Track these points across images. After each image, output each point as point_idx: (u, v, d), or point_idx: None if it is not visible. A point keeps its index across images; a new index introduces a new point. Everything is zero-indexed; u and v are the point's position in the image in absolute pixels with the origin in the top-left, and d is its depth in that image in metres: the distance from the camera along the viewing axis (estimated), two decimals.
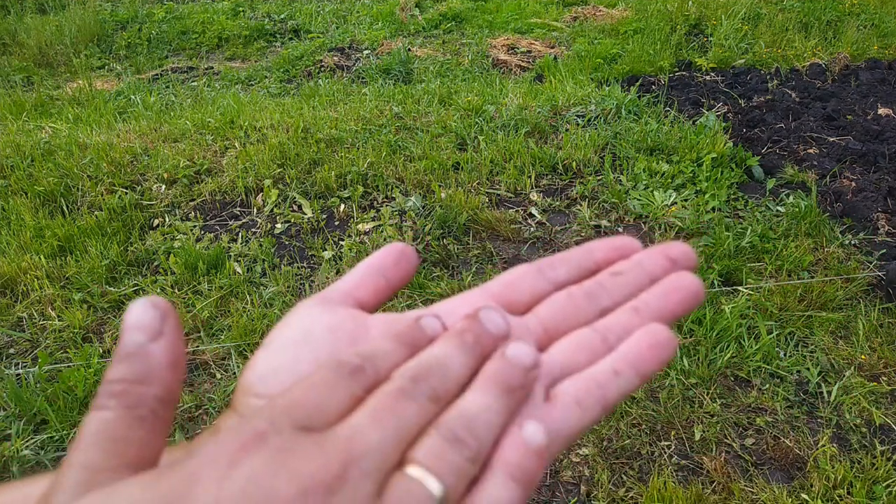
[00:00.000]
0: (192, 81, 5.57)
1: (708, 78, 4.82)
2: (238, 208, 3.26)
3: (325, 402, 0.25)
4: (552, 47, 5.86)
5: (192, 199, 3.30)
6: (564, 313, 0.31)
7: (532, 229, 3.03)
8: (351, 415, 0.25)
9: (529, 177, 3.36)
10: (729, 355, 2.33)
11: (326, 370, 0.26)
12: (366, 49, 5.99)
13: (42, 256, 2.85)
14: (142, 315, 0.26)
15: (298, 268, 2.84)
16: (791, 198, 3.19)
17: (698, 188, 3.28)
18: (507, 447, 0.26)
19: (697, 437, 2.08)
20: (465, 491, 0.25)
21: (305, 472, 0.22)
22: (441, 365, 0.27)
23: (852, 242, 2.92)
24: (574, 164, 3.46)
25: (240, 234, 3.06)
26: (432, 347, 0.28)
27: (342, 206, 3.21)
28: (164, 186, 3.37)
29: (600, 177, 3.38)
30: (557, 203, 3.21)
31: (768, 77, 4.75)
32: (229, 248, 2.95)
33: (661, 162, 3.46)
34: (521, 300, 0.32)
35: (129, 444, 0.24)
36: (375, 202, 3.26)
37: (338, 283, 0.33)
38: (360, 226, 3.06)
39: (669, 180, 3.33)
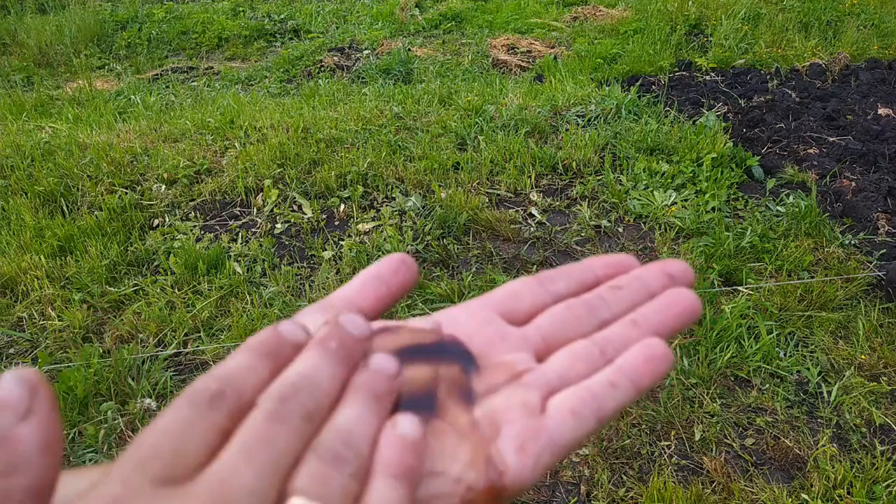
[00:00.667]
0: (192, 81, 5.57)
1: (708, 78, 4.82)
2: (238, 208, 3.26)
3: (183, 447, 0.22)
4: (552, 47, 5.86)
5: (192, 199, 3.30)
6: (564, 324, 0.32)
7: (532, 229, 3.03)
8: (219, 453, 0.23)
9: (529, 177, 3.36)
10: (729, 355, 2.33)
11: (181, 405, 0.23)
12: (366, 49, 6.00)
13: (42, 256, 2.85)
14: (7, 392, 0.22)
15: (298, 268, 2.84)
16: (791, 198, 3.19)
17: (698, 188, 3.28)
18: (384, 447, 0.25)
19: (697, 437, 2.08)
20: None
21: None
22: (309, 380, 0.25)
23: (852, 242, 2.92)
24: (574, 164, 3.46)
25: (240, 234, 3.06)
26: (297, 361, 0.26)
27: (342, 206, 3.21)
28: (164, 186, 3.37)
29: (600, 177, 3.38)
30: (557, 203, 3.21)
31: (768, 77, 4.75)
32: (229, 248, 2.95)
33: (661, 162, 3.46)
34: (522, 310, 0.33)
35: None
36: (375, 202, 3.26)
37: (339, 291, 0.33)
38: (360, 226, 3.06)
39: (669, 180, 3.33)
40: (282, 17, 6.93)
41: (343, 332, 0.28)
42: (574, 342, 0.31)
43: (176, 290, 2.70)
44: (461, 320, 0.32)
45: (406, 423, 0.26)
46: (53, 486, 0.22)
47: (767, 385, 2.26)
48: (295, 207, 3.23)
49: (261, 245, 2.94)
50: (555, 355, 0.31)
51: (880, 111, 4.10)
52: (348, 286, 0.33)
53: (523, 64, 5.53)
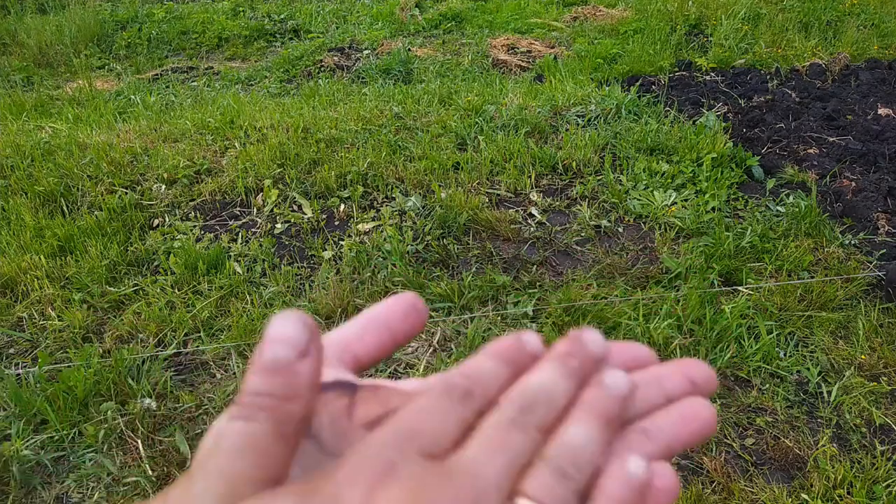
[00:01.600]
0: (192, 81, 5.57)
1: (708, 78, 4.82)
2: (238, 208, 3.26)
3: (442, 429, 0.25)
4: (552, 47, 5.86)
5: (192, 199, 3.30)
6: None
7: (532, 229, 3.03)
8: (466, 444, 0.25)
9: (529, 177, 3.36)
10: (729, 355, 2.33)
11: (437, 394, 0.26)
12: (366, 49, 5.99)
13: (42, 256, 2.85)
14: (291, 330, 0.25)
15: (298, 268, 2.84)
16: (791, 198, 3.19)
17: (698, 188, 3.28)
18: (610, 480, 0.26)
19: None
20: None
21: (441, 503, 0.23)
22: (547, 393, 0.27)
23: (852, 242, 2.92)
24: (574, 164, 3.46)
25: (240, 234, 3.06)
26: (538, 372, 0.27)
27: (342, 206, 3.21)
28: (164, 186, 3.37)
29: (600, 177, 3.38)
30: (557, 203, 3.21)
31: (768, 77, 4.75)
32: (229, 248, 2.95)
33: (661, 162, 3.46)
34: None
35: (271, 459, 0.24)
36: (375, 202, 3.26)
37: (337, 332, 0.32)
38: (360, 226, 3.06)
39: (669, 180, 3.33)
40: (282, 17, 6.93)
41: (584, 349, 0.28)
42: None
43: (176, 290, 2.70)
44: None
45: (635, 465, 0.26)
46: (310, 421, 0.26)
47: (767, 385, 2.26)
48: (295, 207, 3.23)
49: (261, 245, 2.94)
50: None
51: (880, 111, 4.10)
52: (349, 327, 0.32)
53: (523, 64, 5.53)
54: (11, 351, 2.47)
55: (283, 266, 2.84)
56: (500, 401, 0.27)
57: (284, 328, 0.25)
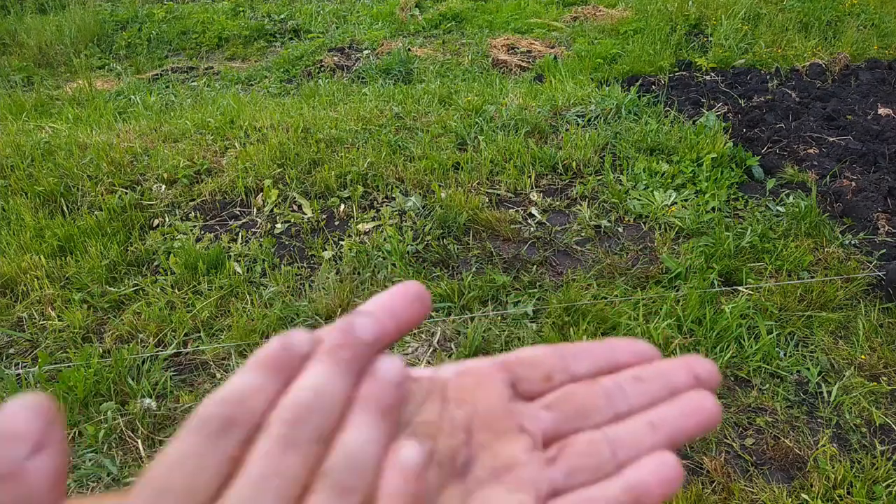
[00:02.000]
0: (192, 81, 5.57)
1: (708, 78, 4.82)
2: (238, 208, 3.26)
3: (195, 481, 0.22)
4: (552, 47, 5.86)
5: (192, 199, 3.30)
6: (578, 409, 0.30)
7: (532, 229, 3.03)
8: (232, 482, 0.22)
9: (529, 177, 3.36)
10: (729, 355, 2.33)
11: (191, 435, 0.23)
12: (366, 49, 6.00)
13: (42, 256, 2.85)
14: (22, 421, 0.21)
15: (298, 268, 2.84)
16: (791, 198, 3.19)
17: (698, 188, 3.28)
18: (388, 476, 0.25)
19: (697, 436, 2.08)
20: None
21: None
22: (320, 398, 0.24)
23: (852, 242, 2.92)
24: (574, 164, 3.46)
25: (240, 234, 3.06)
26: (307, 374, 0.25)
27: (342, 206, 3.21)
28: (164, 186, 3.37)
29: (600, 177, 3.38)
30: (557, 203, 3.21)
31: (768, 77, 4.75)
32: (229, 248, 2.95)
33: (661, 162, 3.46)
34: (536, 379, 0.30)
35: None
36: (375, 202, 3.26)
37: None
38: (360, 226, 3.06)
39: (669, 180, 3.33)
40: (282, 17, 6.93)
41: (355, 339, 0.27)
42: (587, 434, 0.29)
43: (176, 290, 2.70)
44: (468, 383, 0.30)
45: (410, 451, 0.25)
46: None
47: (767, 385, 2.26)
48: (295, 207, 3.23)
49: (261, 245, 2.94)
50: (563, 448, 0.29)
51: (880, 111, 4.10)
52: None
53: (523, 64, 5.53)
54: (11, 351, 2.47)
55: (283, 266, 2.84)
56: (269, 417, 0.24)
57: (14, 421, 0.21)
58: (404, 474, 0.25)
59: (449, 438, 0.28)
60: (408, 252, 2.85)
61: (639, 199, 3.19)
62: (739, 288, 2.65)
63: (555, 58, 5.46)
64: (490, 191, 3.30)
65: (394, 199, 3.23)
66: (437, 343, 2.44)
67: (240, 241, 3.01)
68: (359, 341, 0.26)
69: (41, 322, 2.57)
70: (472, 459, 0.28)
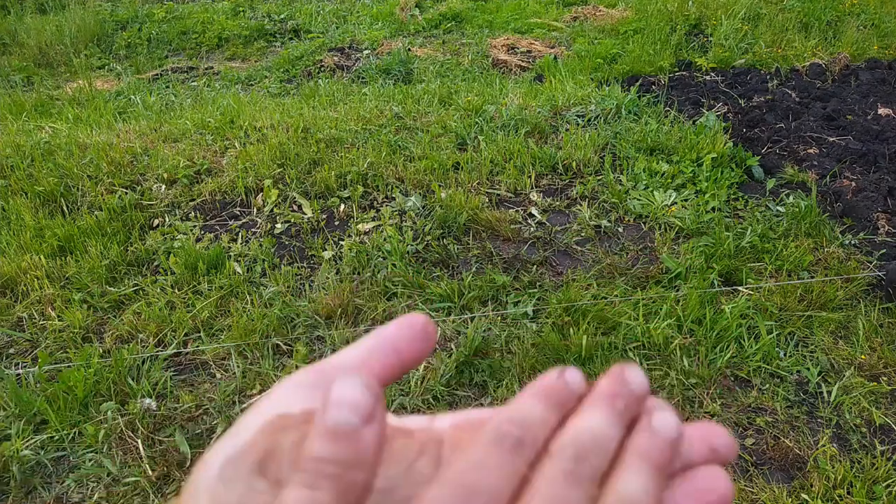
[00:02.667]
0: (192, 81, 5.57)
1: (708, 78, 4.82)
2: (238, 208, 3.26)
3: (499, 486, 0.24)
4: (552, 47, 5.86)
5: (192, 199, 3.30)
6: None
7: (532, 229, 3.03)
8: (522, 500, 0.24)
9: (529, 177, 3.36)
10: (729, 355, 2.33)
11: (489, 444, 0.25)
12: (366, 49, 6.00)
13: (42, 256, 2.85)
14: (357, 395, 0.24)
15: (298, 268, 2.84)
16: (791, 198, 3.19)
17: (698, 188, 3.28)
18: None
19: None
20: None
21: None
22: (598, 440, 0.26)
23: (852, 242, 2.92)
24: (574, 164, 3.46)
25: (240, 234, 3.06)
26: (587, 417, 0.27)
27: (342, 205, 3.21)
28: (164, 186, 3.37)
29: (600, 177, 3.38)
30: (557, 203, 3.21)
31: (768, 77, 4.75)
32: (229, 248, 2.95)
33: (661, 162, 3.46)
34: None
35: None
36: (375, 202, 3.26)
37: (341, 356, 0.30)
38: (360, 226, 3.06)
39: (669, 180, 3.33)
40: (282, 17, 6.94)
41: (629, 389, 0.27)
42: None
43: (176, 290, 2.70)
44: (465, 439, 0.29)
45: None
46: (372, 487, 0.25)
47: (767, 385, 2.26)
48: (295, 207, 3.23)
49: (261, 245, 2.94)
50: None
51: (880, 111, 4.10)
52: (354, 350, 0.30)
53: (523, 64, 5.53)
54: (11, 351, 2.47)
55: (283, 266, 2.84)
56: (552, 450, 0.26)
57: (348, 391, 0.25)
58: None
59: None
60: (408, 252, 2.85)
61: (639, 199, 3.19)
62: (739, 288, 2.65)
63: (555, 58, 5.46)
64: (490, 191, 3.30)
65: (394, 199, 3.23)
66: (437, 343, 2.44)
67: (240, 241, 3.01)
68: (632, 394, 0.27)
69: (41, 322, 2.57)
70: None
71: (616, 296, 2.61)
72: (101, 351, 2.41)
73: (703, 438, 0.29)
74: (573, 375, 0.28)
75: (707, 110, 4.14)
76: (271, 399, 0.29)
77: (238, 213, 3.23)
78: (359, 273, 2.76)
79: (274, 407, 0.28)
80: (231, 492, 0.26)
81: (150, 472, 1.99)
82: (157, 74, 5.80)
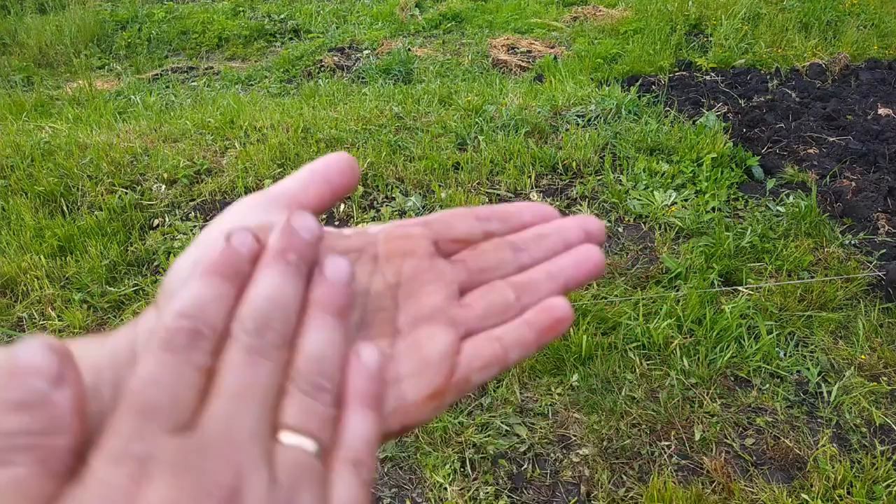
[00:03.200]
0: (192, 81, 5.57)
1: (708, 78, 4.82)
2: None
3: (179, 394, 0.23)
4: (552, 47, 5.86)
5: (192, 199, 3.30)
6: (489, 263, 0.34)
7: None
8: (210, 399, 0.23)
9: (529, 177, 3.36)
10: (729, 355, 2.33)
11: (161, 351, 0.24)
12: (366, 49, 6.00)
13: (42, 256, 2.85)
14: (39, 359, 0.22)
15: None
16: (791, 198, 3.19)
17: (698, 188, 3.28)
18: (354, 378, 0.27)
19: (697, 437, 2.08)
20: (333, 432, 0.25)
21: (207, 489, 0.22)
22: (278, 303, 0.26)
23: (852, 242, 2.92)
24: (574, 164, 3.46)
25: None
26: (260, 280, 0.26)
27: (342, 205, 3.21)
28: (164, 186, 3.37)
29: (600, 177, 3.38)
30: (557, 203, 3.21)
31: (768, 77, 4.75)
32: None
33: (661, 162, 3.46)
34: (456, 238, 0.34)
35: (42, 501, 0.21)
36: (375, 202, 3.26)
37: (282, 184, 0.33)
38: (360, 226, 3.06)
39: (669, 180, 3.33)
40: (282, 17, 6.94)
41: (300, 240, 0.28)
42: (495, 283, 0.33)
43: None
44: (397, 244, 0.33)
45: (368, 353, 0.27)
46: (85, 451, 0.23)
47: (767, 385, 2.26)
48: None
49: None
50: (476, 296, 0.33)
51: (880, 111, 4.10)
52: (291, 180, 0.33)
53: (523, 64, 5.53)
54: None
55: None
56: (232, 330, 0.25)
57: (31, 359, 0.22)
58: (368, 374, 0.27)
59: (377, 299, 0.31)
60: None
61: (639, 199, 3.19)
62: (739, 288, 2.65)
63: (555, 58, 5.46)
64: (490, 191, 3.30)
65: (394, 199, 3.23)
66: None
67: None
68: (303, 243, 0.28)
69: (41, 322, 2.57)
70: (398, 309, 0.31)
71: (616, 296, 2.61)
72: None
73: (578, 225, 0.35)
74: (240, 237, 0.27)
75: (707, 110, 4.14)
76: (228, 215, 0.31)
77: None
78: None
79: (232, 221, 0.30)
80: None
81: None
82: (157, 74, 5.80)
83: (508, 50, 5.80)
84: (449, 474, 1.96)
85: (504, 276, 0.34)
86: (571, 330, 2.42)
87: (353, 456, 0.25)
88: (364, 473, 0.26)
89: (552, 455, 2.05)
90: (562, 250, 0.35)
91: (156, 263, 2.88)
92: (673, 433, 2.10)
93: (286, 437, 0.24)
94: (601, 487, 1.94)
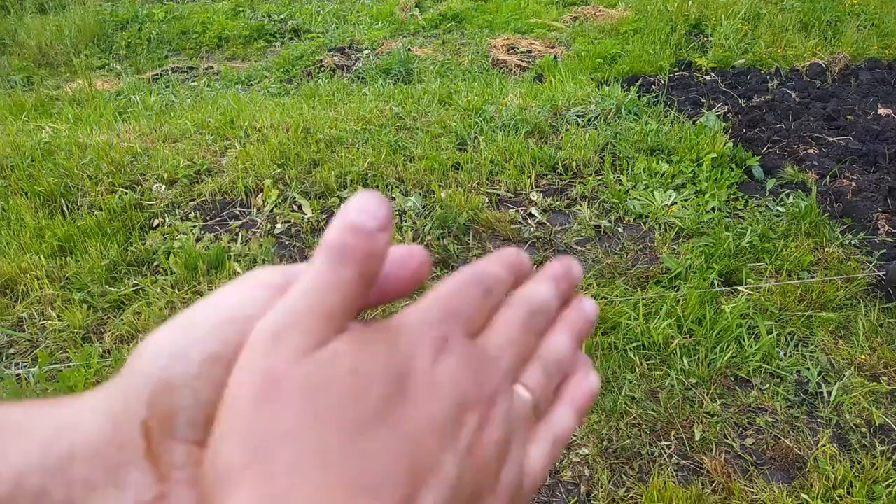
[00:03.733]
0: (192, 81, 5.57)
1: (708, 78, 4.82)
2: (238, 208, 3.26)
3: (477, 314, 0.29)
4: (552, 47, 5.86)
5: (192, 199, 3.30)
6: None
7: (532, 229, 3.03)
8: (489, 331, 0.29)
9: (529, 177, 3.36)
10: (729, 355, 2.33)
11: (467, 282, 0.29)
12: (366, 49, 5.99)
13: (42, 256, 2.85)
14: (375, 207, 0.26)
15: None
16: (791, 198, 3.19)
17: (698, 188, 3.28)
18: (575, 385, 0.33)
19: (697, 437, 2.08)
20: (544, 408, 0.31)
21: (484, 381, 0.27)
22: (545, 304, 0.32)
23: (852, 242, 2.92)
24: (574, 164, 3.46)
25: (240, 234, 3.05)
26: (539, 286, 0.32)
27: (342, 205, 3.21)
28: (164, 186, 3.37)
29: (600, 177, 3.38)
30: (557, 203, 3.21)
31: (768, 77, 4.75)
32: (229, 248, 2.95)
33: (661, 162, 3.46)
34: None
35: (350, 308, 0.26)
36: None
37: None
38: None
39: (669, 180, 3.33)
40: (282, 17, 6.93)
41: (572, 276, 0.34)
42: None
43: (176, 291, 2.70)
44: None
45: (594, 377, 0.34)
46: (371, 290, 0.27)
47: (767, 385, 2.26)
48: (295, 207, 3.23)
49: (261, 245, 2.94)
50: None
51: (880, 111, 4.10)
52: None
53: (523, 64, 5.53)
54: (11, 351, 2.47)
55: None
56: (512, 302, 0.31)
57: (369, 202, 0.27)
58: (588, 391, 0.33)
59: None
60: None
61: (639, 199, 3.19)
62: (739, 288, 2.65)
63: (555, 58, 5.46)
64: (490, 191, 3.30)
65: (394, 199, 3.23)
66: None
67: (240, 241, 3.01)
68: (573, 279, 0.34)
69: (41, 322, 2.57)
70: None
71: (616, 296, 2.61)
72: (101, 351, 2.41)
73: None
74: (525, 256, 0.33)
75: (707, 110, 4.14)
76: (233, 295, 0.28)
77: (238, 213, 3.23)
78: None
79: (234, 307, 0.27)
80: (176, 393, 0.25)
81: None
82: (157, 74, 5.80)
83: (508, 50, 5.80)
84: None
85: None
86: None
87: (553, 433, 0.31)
88: (555, 451, 0.31)
89: None
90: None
91: (156, 263, 2.88)
92: (673, 433, 2.10)
93: (520, 389, 0.30)
94: (601, 487, 1.94)
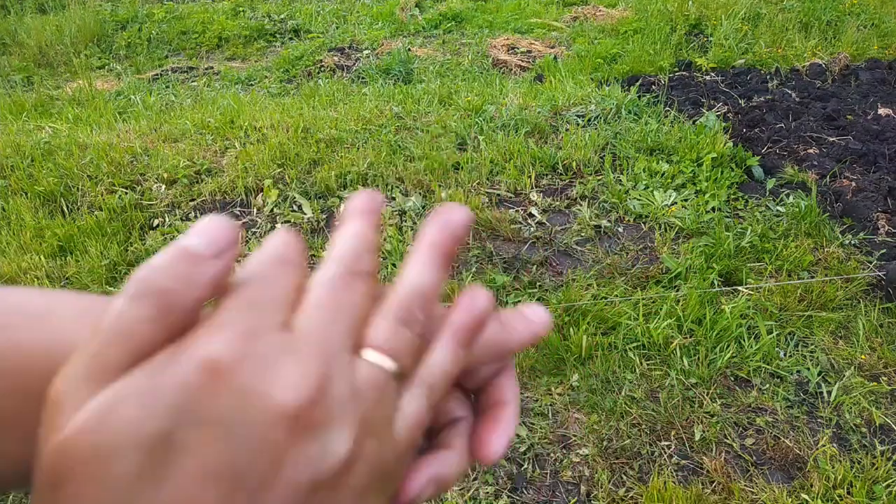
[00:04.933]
0: (192, 81, 5.57)
1: (708, 78, 4.82)
2: (238, 208, 3.26)
3: (280, 295, 0.25)
4: (552, 47, 5.86)
5: (192, 199, 3.30)
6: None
7: (532, 229, 3.03)
8: (301, 308, 0.25)
9: (529, 177, 3.36)
10: (729, 355, 2.33)
11: (267, 260, 0.27)
12: (366, 49, 6.00)
13: (42, 256, 2.85)
14: (216, 230, 0.25)
15: None
16: (791, 198, 3.19)
17: (698, 188, 3.28)
18: (456, 312, 0.28)
19: (697, 437, 2.08)
20: (415, 361, 0.27)
21: (301, 381, 0.23)
22: (367, 244, 0.28)
23: (852, 242, 2.92)
24: (574, 164, 3.46)
25: (239, 235, 3.05)
26: (348, 230, 0.29)
27: (342, 205, 3.21)
28: (164, 186, 3.37)
29: (600, 177, 3.38)
30: (557, 203, 3.21)
31: (768, 77, 4.75)
32: None
33: (661, 162, 3.46)
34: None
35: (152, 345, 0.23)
36: None
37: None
38: None
39: (669, 180, 3.33)
40: (282, 17, 6.93)
41: (375, 200, 0.31)
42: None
43: None
44: None
45: (482, 296, 0.29)
46: (194, 321, 0.24)
47: (767, 385, 2.26)
48: (295, 207, 3.23)
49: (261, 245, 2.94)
50: None
51: (880, 111, 4.10)
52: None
53: (523, 64, 5.53)
54: None
55: None
56: (325, 258, 0.27)
57: (211, 225, 0.25)
58: (471, 312, 0.28)
59: None
60: (408, 252, 2.85)
61: (639, 199, 3.19)
62: (739, 288, 2.65)
63: (555, 58, 5.46)
64: (490, 191, 3.30)
65: (394, 199, 3.23)
66: None
67: (239, 241, 3.01)
68: (376, 206, 0.31)
69: None
70: None
71: (616, 296, 2.61)
72: None
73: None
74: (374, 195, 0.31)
75: (707, 110, 4.14)
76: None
77: (238, 213, 3.23)
78: None
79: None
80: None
81: None
82: (157, 74, 5.80)
83: (508, 50, 5.80)
84: None
85: None
86: (571, 330, 2.42)
87: (429, 380, 0.27)
88: (434, 397, 0.27)
89: (552, 455, 2.05)
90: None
91: None
92: (673, 433, 2.10)
93: (369, 355, 0.25)
94: (601, 487, 1.94)
